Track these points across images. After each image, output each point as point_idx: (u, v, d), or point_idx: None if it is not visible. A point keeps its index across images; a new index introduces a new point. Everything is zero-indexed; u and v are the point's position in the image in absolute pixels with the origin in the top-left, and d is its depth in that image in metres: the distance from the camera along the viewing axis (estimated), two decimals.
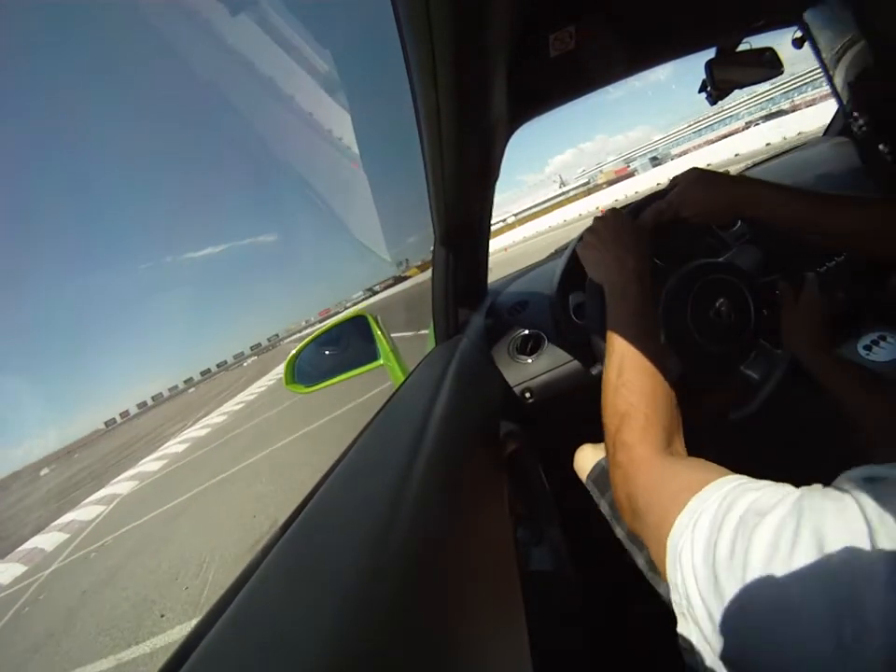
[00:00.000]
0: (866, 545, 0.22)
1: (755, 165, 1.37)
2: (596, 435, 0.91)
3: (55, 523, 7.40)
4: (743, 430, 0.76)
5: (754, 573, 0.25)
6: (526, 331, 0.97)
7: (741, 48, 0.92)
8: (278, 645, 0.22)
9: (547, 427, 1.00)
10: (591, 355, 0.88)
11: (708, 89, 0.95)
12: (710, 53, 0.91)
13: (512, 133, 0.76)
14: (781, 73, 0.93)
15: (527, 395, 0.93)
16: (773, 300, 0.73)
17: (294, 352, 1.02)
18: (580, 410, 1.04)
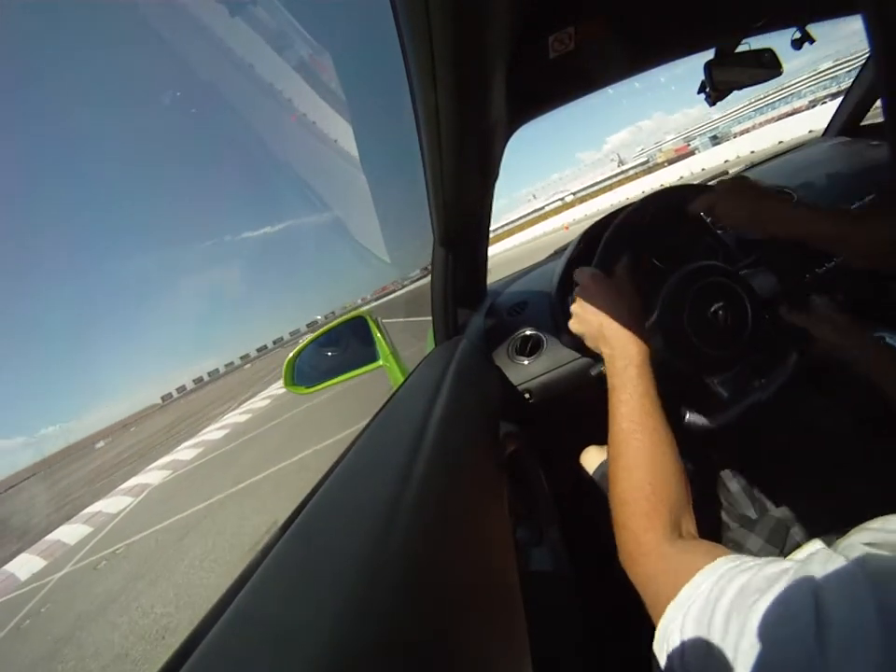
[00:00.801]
0: (871, 625, 0.22)
1: (754, 166, 1.37)
2: (596, 435, 0.91)
3: (84, 511, 7.51)
4: (742, 435, 0.76)
5: (753, 637, 0.25)
6: (526, 332, 0.97)
7: (740, 48, 0.92)
8: (278, 645, 0.22)
9: (547, 427, 1.00)
10: (590, 355, 0.88)
11: (707, 90, 0.96)
12: (710, 54, 0.92)
13: (512, 133, 0.76)
14: (780, 73, 0.94)
15: (527, 395, 0.93)
16: (772, 303, 0.73)
17: (293, 353, 1.02)
18: (579, 410, 1.04)
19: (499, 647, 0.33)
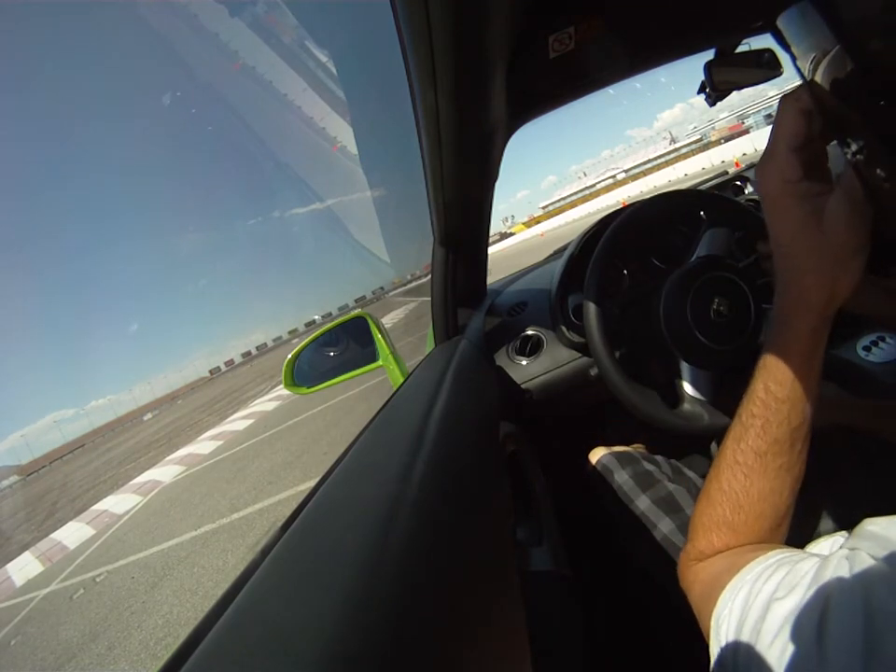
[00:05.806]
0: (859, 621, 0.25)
1: (752, 166, 1.37)
2: (596, 435, 0.91)
3: (93, 508, 7.45)
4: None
5: (773, 636, 0.28)
6: (526, 332, 0.97)
7: (740, 48, 0.92)
8: (278, 645, 0.22)
9: (547, 427, 1.00)
10: (590, 356, 0.88)
11: (707, 90, 0.95)
12: (710, 54, 0.91)
13: (511, 134, 0.76)
14: (781, 74, 0.94)
15: (527, 395, 0.93)
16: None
17: (293, 353, 1.02)
18: (579, 410, 1.04)
19: (499, 647, 0.33)
